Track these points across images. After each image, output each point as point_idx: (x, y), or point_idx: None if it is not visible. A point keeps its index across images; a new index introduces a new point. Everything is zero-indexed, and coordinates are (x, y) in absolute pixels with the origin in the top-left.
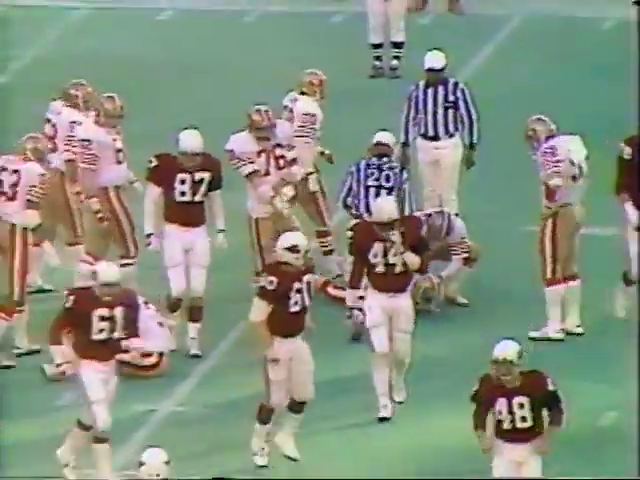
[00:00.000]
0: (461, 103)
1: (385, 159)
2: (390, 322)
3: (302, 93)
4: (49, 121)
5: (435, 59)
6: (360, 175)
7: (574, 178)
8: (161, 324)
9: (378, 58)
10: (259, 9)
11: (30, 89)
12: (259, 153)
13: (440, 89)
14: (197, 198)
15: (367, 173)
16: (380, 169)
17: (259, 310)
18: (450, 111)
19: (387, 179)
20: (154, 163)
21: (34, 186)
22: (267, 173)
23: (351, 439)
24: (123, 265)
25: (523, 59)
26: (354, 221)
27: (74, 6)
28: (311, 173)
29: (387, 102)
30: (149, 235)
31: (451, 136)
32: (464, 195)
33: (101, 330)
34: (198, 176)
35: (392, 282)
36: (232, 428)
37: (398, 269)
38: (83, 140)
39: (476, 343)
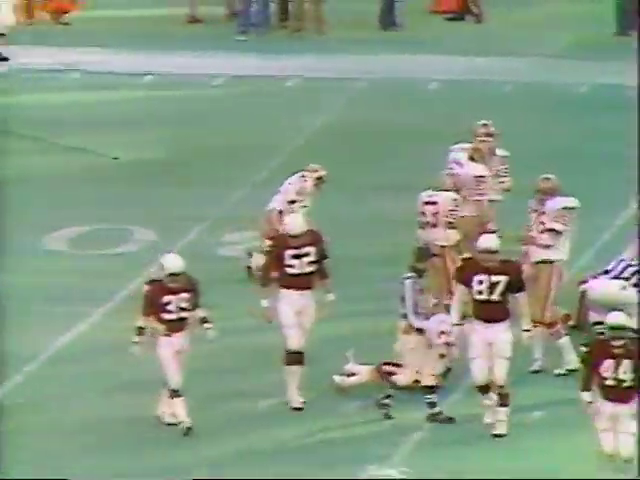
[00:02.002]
0: None
1: None
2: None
3: None
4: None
5: None
6: None
7: None
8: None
9: None
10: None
11: (321, 151)
12: None
13: None
14: (494, 298)
15: None
16: None
17: None
18: None
19: None
20: (460, 264)
21: (451, 210)
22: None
23: None
24: None
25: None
26: None
27: (355, 77)
28: None
29: None
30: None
31: None
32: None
33: None
34: (495, 279)
35: None
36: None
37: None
38: None
39: None
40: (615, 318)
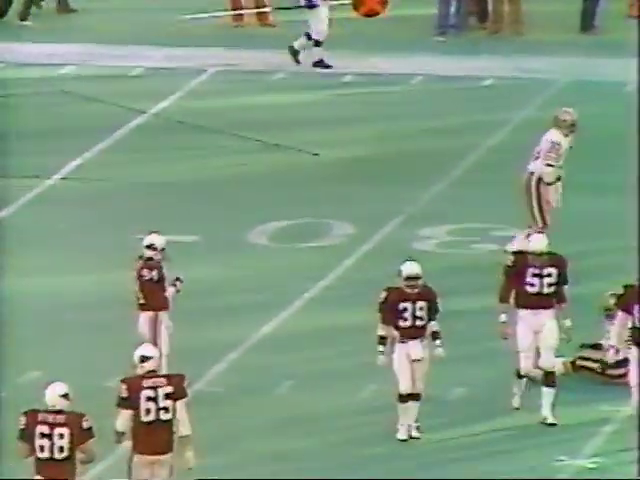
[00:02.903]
0: None
1: None
2: None
3: None
4: None
5: None
6: None
7: None
8: None
9: None
10: None
11: (517, 149)
12: None
13: None
14: None
15: None
16: None
17: None
18: None
19: None
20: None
21: None
22: None
23: None
24: None
25: None
26: None
27: (552, 78)
28: None
29: None
30: None
31: None
32: None
33: None
34: None
35: None
36: None
37: None
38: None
39: None
40: None
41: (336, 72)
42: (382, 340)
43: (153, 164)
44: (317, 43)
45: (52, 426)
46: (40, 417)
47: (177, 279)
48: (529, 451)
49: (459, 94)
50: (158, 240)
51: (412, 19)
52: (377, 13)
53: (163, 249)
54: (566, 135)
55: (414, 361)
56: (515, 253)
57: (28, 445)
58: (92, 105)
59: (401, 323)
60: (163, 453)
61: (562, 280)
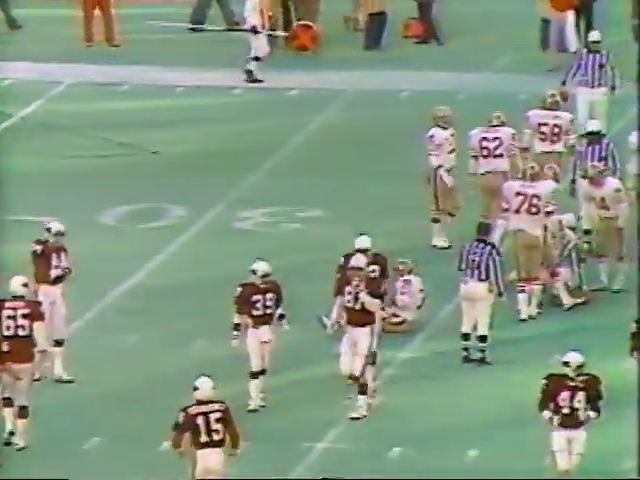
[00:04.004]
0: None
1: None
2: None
3: None
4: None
5: (593, 124)
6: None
7: None
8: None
9: None
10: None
11: (320, 146)
12: None
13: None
14: (357, 307)
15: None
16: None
17: None
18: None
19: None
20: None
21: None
22: None
23: None
24: None
25: None
26: None
27: (344, 88)
28: None
29: None
30: None
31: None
32: None
33: None
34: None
35: None
36: None
37: None
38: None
39: None
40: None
41: (171, 84)
42: (237, 327)
43: (19, 159)
44: (257, 59)
45: None
46: None
47: (67, 269)
48: (323, 393)
49: (270, 102)
50: (55, 225)
51: (229, 41)
52: (307, 48)
53: (60, 234)
54: (445, 128)
55: (263, 343)
56: (345, 255)
57: None
58: None
59: (254, 312)
60: (22, 362)
61: (384, 275)
